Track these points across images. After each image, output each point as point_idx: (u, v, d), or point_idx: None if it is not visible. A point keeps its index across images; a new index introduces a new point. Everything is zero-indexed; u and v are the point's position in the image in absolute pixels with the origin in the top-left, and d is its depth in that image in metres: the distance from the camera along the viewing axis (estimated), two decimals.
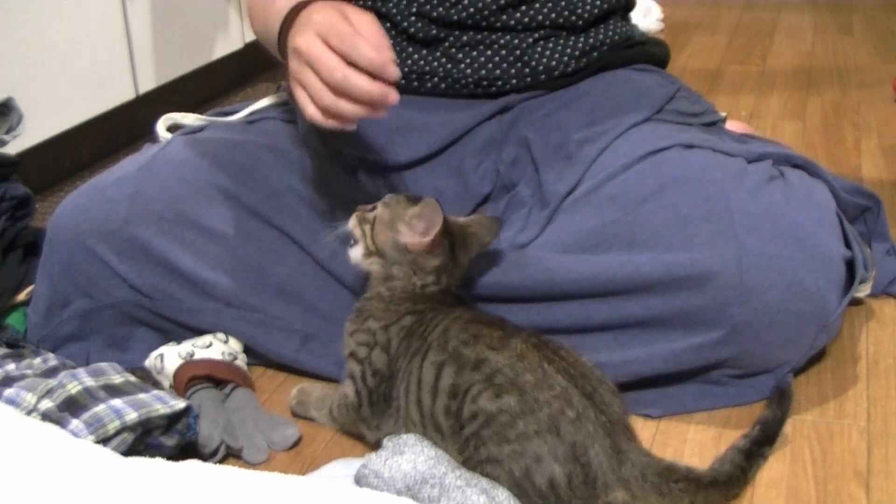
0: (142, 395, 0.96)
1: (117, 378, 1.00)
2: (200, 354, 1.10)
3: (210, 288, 1.14)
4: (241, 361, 1.14)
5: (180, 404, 0.96)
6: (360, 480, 0.92)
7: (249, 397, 1.09)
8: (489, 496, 0.87)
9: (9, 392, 0.98)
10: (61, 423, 0.93)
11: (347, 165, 1.23)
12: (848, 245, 1.12)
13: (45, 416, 0.94)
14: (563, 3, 1.26)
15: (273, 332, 1.15)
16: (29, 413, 0.95)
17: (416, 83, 1.29)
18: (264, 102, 1.35)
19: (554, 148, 1.20)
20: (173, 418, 0.96)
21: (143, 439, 0.94)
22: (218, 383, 1.09)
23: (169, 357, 1.11)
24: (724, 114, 1.34)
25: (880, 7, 2.86)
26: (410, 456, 0.91)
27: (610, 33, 1.30)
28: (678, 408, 1.08)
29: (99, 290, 1.16)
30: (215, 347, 1.12)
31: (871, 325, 1.23)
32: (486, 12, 1.24)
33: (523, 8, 1.25)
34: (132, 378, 1.01)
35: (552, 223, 1.14)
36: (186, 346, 1.12)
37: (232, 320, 1.14)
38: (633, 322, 1.07)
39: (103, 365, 1.02)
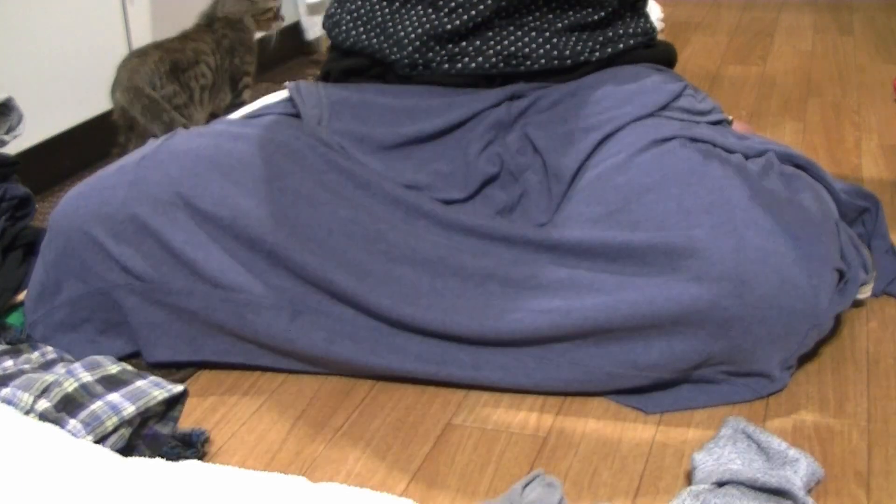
0: (139, 383, 0.97)
1: (113, 368, 1.00)
2: None
3: (199, 268, 1.14)
4: None
5: (178, 388, 0.96)
6: None
7: None
8: None
9: (5, 392, 0.98)
10: (59, 423, 0.93)
11: (347, 152, 1.24)
12: (841, 254, 1.12)
13: (43, 417, 0.94)
14: None
15: (261, 311, 1.14)
16: (26, 414, 0.95)
17: (446, 66, 1.30)
18: (265, 101, 1.36)
19: (559, 137, 1.21)
20: (170, 403, 0.96)
21: (139, 431, 0.95)
22: None
23: None
24: (729, 117, 1.34)
25: (880, 7, 2.86)
26: None
27: (631, 26, 1.34)
28: (672, 404, 1.08)
29: (91, 274, 1.17)
30: None
31: (872, 325, 1.23)
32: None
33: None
34: (128, 367, 1.01)
35: (557, 213, 1.15)
36: None
37: (220, 302, 1.14)
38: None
39: (99, 357, 1.03)
